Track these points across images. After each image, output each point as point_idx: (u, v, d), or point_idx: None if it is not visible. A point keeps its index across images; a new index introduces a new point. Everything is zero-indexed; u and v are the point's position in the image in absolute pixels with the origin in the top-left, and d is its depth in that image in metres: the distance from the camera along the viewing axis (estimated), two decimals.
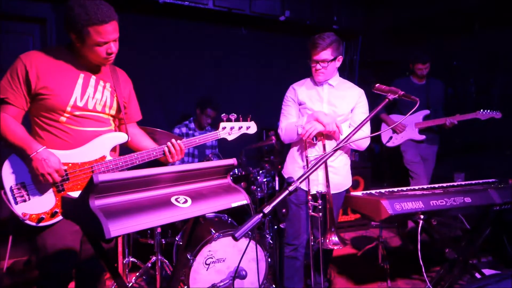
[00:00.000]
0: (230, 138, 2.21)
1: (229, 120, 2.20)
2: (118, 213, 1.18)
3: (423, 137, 3.69)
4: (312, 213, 2.32)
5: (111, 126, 1.95)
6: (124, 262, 2.75)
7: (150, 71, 3.98)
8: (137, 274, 2.80)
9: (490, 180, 2.85)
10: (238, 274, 2.46)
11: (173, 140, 1.94)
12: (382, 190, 2.50)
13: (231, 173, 3.04)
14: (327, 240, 2.29)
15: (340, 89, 2.44)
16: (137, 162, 1.90)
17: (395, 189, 2.47)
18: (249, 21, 4.35)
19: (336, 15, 4.67)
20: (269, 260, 2.73)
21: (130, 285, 2.81)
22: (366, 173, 4.44)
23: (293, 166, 2.48)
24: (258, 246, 2.65)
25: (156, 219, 1.25)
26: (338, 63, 2.40)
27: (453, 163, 4.45)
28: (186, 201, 1.36)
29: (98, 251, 1.44)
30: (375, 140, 4.63)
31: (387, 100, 1.53)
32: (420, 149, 3.75)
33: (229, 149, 2.97)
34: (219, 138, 2.18)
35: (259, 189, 3.02)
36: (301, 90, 2.47)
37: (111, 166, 1.84)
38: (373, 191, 2.48)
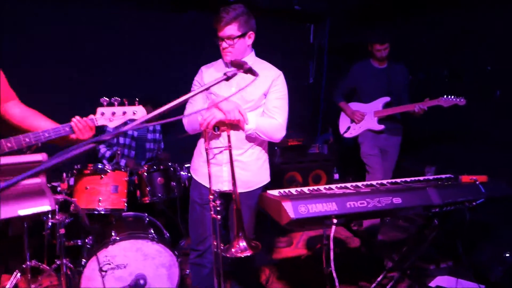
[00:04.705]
0: (112, 125, 1.91)
1: (111, 104, 1.89)
2: None
3: (382, 127, 3.30)
4: (213, 215, 1.99)
5: None
6: (24, 266, 2.47)
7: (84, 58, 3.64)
8: (39, 278, 2.54)
9: (443, 176, 2.47)
10: (136, 283, 2.17)
11: (77, 117, 1.79)
12: (305, 189, 2.14)
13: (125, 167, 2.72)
14: (234, 247, 1.97)
15: None
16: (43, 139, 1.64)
17: (314, 188, 2.12)
18: (196, 2, 3.96)
19: None
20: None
21: None
22: (328, 167, 4.08)
23: (198, 161, 2.16)
24: (168, 250, 2.35)
25: None
26: (249, 40, 2.05)
27: (424, 155, 4.06)
28: None
29: None
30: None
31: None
32: (379, 140, 3.36)
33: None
34: (97, 125, 1.87)
35: (179, 186, 2.71)
36: (208, 73, 2.14)
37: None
38: (293, 190, 2.12)
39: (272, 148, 4.07)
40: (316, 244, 3.54)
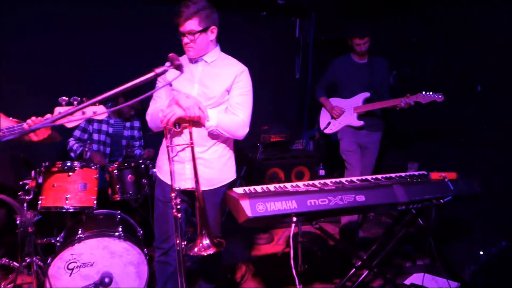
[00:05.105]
0: (70, 125, 1.88)
1: (69, 104, 1.86)
2: None
3: (361, 123, 3.25)
4: (175, 213, 1.97)
5: None
6: None
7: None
8: (10, 277, 2.53)
9: (416, 173, 2.44)
10: (101, 280, 2.16)
11: (33, 118, 1.80)
12: (271, 186, 2.11)
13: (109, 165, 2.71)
14: (197, 245, 1.95)
15: (217, 66, 2.06)
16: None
17: (281, 185, 2.09)
18: None
19: None
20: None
21: None
22: (311, 163, 4.05)
23: (162, 158, 2.14)
24: (136, 248, 2.34)
25: None
26: (212, 35, 2.01)
27: (408, 152, 4.03)
28: None
29: None
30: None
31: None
32: (359, 136, 3.31)
33: None
34: (52, 125, 1.85)
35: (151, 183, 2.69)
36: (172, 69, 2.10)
37: None
38: (258, 187, 2.09)
39: (254, 144, 4.05)
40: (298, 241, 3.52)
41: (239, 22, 4.28)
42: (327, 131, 3.46)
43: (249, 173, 3.92)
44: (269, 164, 3.91)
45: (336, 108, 3.32)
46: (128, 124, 3.32)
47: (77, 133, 3.18)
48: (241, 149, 4.11)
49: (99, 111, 1.91)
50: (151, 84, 2.21)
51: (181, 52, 2.17)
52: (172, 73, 2.08)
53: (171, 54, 1.32)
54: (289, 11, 4.50)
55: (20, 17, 3.48)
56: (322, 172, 4.61)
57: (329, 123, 3.44)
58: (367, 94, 3.26)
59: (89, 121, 3.21)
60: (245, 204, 1.76)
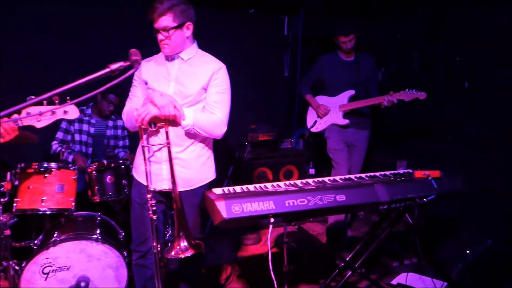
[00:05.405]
0: (39, 125, 1.81)
1: (39, 103, 1.79)
2: None
3: (346, 121, 3.21)
4: (151, 215, 1.92)
5: None
6: None
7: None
8: None
9: (401, 171, 2.40)
10: (77, 285, 2.10)
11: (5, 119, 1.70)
12: (251, 187, 2.06)
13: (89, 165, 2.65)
14: (175, 248, 1.90)
15: (194, 64, 2.00)
16: None
17: (261, 185, 2.04)
18: None
19: None
20: None
21: None
22: (300, 162, 4.00)
23: (139, 159, 2.08)
24: (115, 250, 2.28)
25: None
26: (187, 32, 1.96)
27: (398, 149, 3.99)
28: None
29: None
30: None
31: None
32: (346, 135, 3.27)
33: None
34: (21, 125, 1.79)
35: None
36: (147, 66, 2.05)
37: None
38: (238, 188, 2.03)
39: (242, 144, 3.99)
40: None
41: (226, 20, 4.22)
42: (313, 129, 3.41)
43: (236, 173, 3.87)
44: (257, 163, 3.86)
45: (321, 106, 3.27)
46: (110, 123, 3.25)
47: (59, 135, 3.11)
48: (229, 148, 4.06)
49: (70, 111, 1.85)
50: (129, 80, 2.17)
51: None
52: (146, 70, 2.04)
53: (132, 50, 1.26)
54: (277, 9, 4.45)
55: (20, 17, 3.44)
56: (312, 171, 4.57)
57: (315, 122, 3.39)
58: (352, 92, 3.21)
59: (70, 121, 3.14)
60: (221, 205, 1.71)
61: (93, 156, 3.16)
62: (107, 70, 1.14)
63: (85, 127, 3.15)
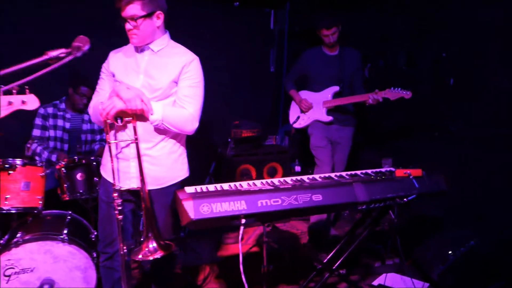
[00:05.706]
0: None
1: None
2: None
3: (330, 118, 3.12)
4: (117, 215, 1.82)
5: None
6: None
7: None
8: None
9: (384, 170, 2.32)
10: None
11: None
12: (225, 185, 1.96)
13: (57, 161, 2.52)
14: (143, 249, 1.81)
15: (164, 55, 1.89)
16: None
17: (236, 184, 1.94)
18: None
19: None
20: None
21: None
22: (284, 159, 3.92)
23: (106, 156, 1.97)
24: (83, 251, 2.18)
25: None
26: (158, 21, 1.85)
27: (384, 147, 3.92)
28: None
29: None
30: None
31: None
32: (329, 131, 3.19)
33: None
34: None
35: None
36: (115, 58, 1.94)
37: None
38: (211, 186, 1.94)
39: (225, 140, 3.89)
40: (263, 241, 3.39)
41: (210, 13, 4.09)
42: (296, 125, 3.32)
43: (218, 170, 3.77)
44: (240, 160, 3.76)
45: (304, 101, 3.18)
46: (86, 117, 3.12)
47: (36, 132, 2.95)
48: (211, 144, 3.96)
49: (29, 101, 1.72)
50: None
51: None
52: (114, 62, 1.93)
53: (81, 36, 1.15)
54: (263, 1, 4.34)
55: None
56: (298, 168, 4.49)
57: (298, 117, 3.31)
58: (336, 88, 3.13)
59: (45, 117, 3.01)
60: (188, 205, 1.62)
61: (69, 152, 3.03)
62: (45, 57, 1.03)
63: (60, 122, 3.02)
